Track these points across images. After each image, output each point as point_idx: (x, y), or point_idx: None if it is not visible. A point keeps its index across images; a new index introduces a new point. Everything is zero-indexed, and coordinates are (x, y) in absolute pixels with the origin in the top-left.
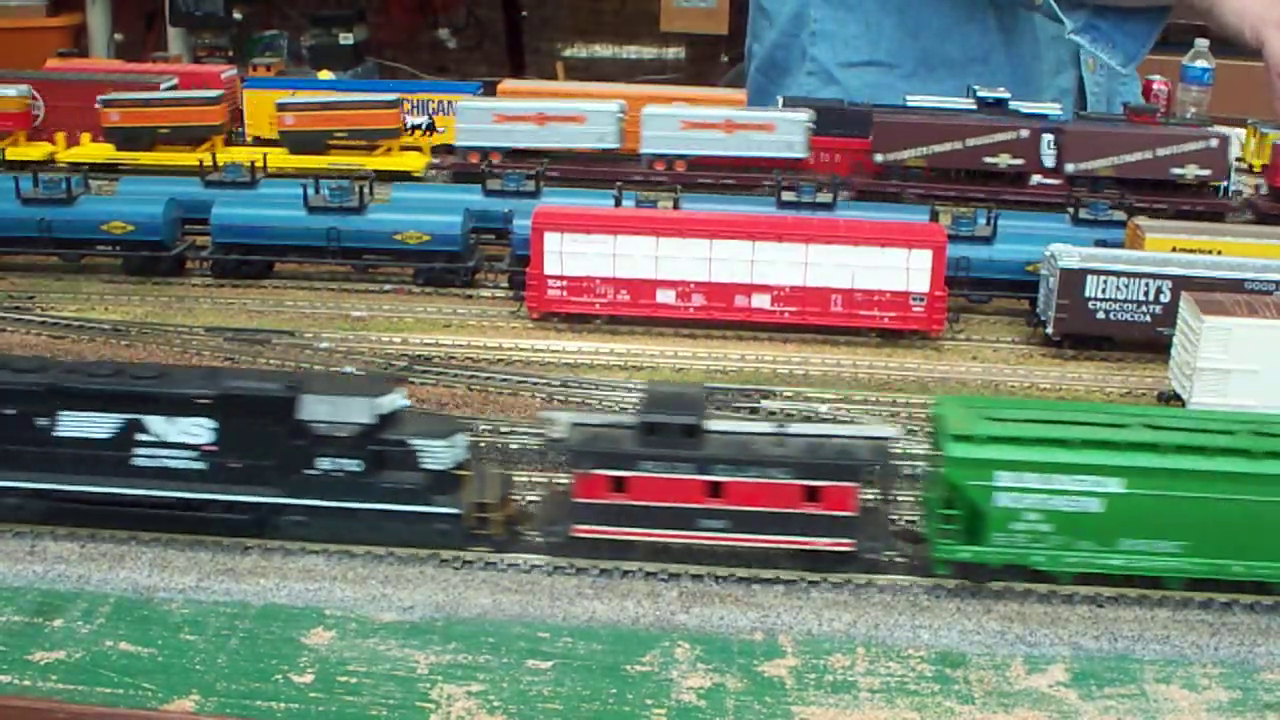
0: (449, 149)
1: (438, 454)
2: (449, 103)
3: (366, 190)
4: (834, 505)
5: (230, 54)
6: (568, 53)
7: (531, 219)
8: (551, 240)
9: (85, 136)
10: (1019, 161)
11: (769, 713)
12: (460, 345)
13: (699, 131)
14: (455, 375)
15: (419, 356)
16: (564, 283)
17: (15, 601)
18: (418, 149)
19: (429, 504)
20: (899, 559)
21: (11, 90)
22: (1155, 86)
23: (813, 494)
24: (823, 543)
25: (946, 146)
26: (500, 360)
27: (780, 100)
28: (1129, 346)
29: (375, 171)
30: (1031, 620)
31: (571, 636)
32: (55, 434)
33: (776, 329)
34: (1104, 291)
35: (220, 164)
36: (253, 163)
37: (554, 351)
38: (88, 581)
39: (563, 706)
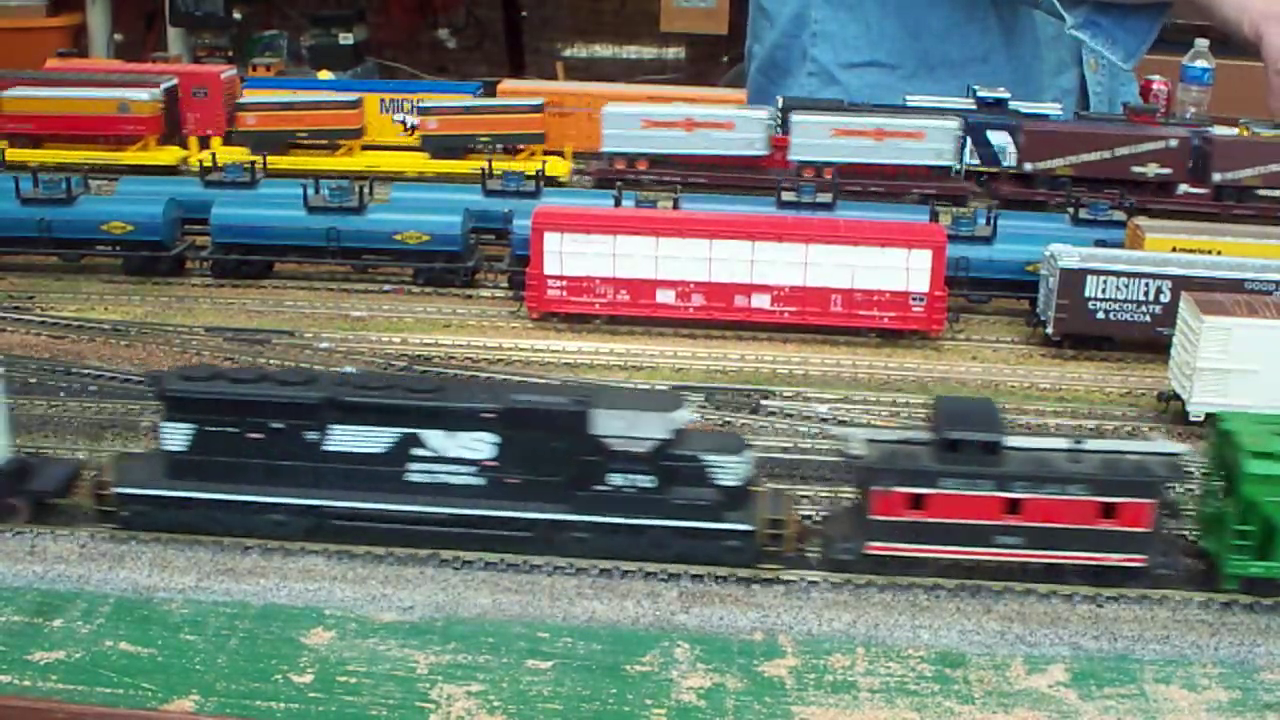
0: (595, 155)
1: (730, 469)
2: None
3: (366, 190)
4: (1130, 521)
5: (230, 54)
6: (568, 53)
7: (531, 219)
8: (551, 240)
9: (216, 141)
10: (1166, 171)
11: (769, 713)
12: (460, 345)
13: (849, 139)
14: (455, 375)
15: (419, 356)
16: (564, 283)
17: (15, 601)
18: (560, 154)
19: (721, 520)
20: (1182, 573)
21: (144, 94)
22: (1155, 86)
23: (1109, 510)
24: (1115, 558)
25: (1094, 156)
26: (500, 360)
27: (780, 101)
28: (1129, 346)
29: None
30: (1031, 620)
31: (571, 636)
32: (325, 448)
33: (776, 329)
34: (1104, 291)
35: (221, 164)
36: (253, 163)
37: (554, 351)
38: (88, 581)
39: (563, 706)
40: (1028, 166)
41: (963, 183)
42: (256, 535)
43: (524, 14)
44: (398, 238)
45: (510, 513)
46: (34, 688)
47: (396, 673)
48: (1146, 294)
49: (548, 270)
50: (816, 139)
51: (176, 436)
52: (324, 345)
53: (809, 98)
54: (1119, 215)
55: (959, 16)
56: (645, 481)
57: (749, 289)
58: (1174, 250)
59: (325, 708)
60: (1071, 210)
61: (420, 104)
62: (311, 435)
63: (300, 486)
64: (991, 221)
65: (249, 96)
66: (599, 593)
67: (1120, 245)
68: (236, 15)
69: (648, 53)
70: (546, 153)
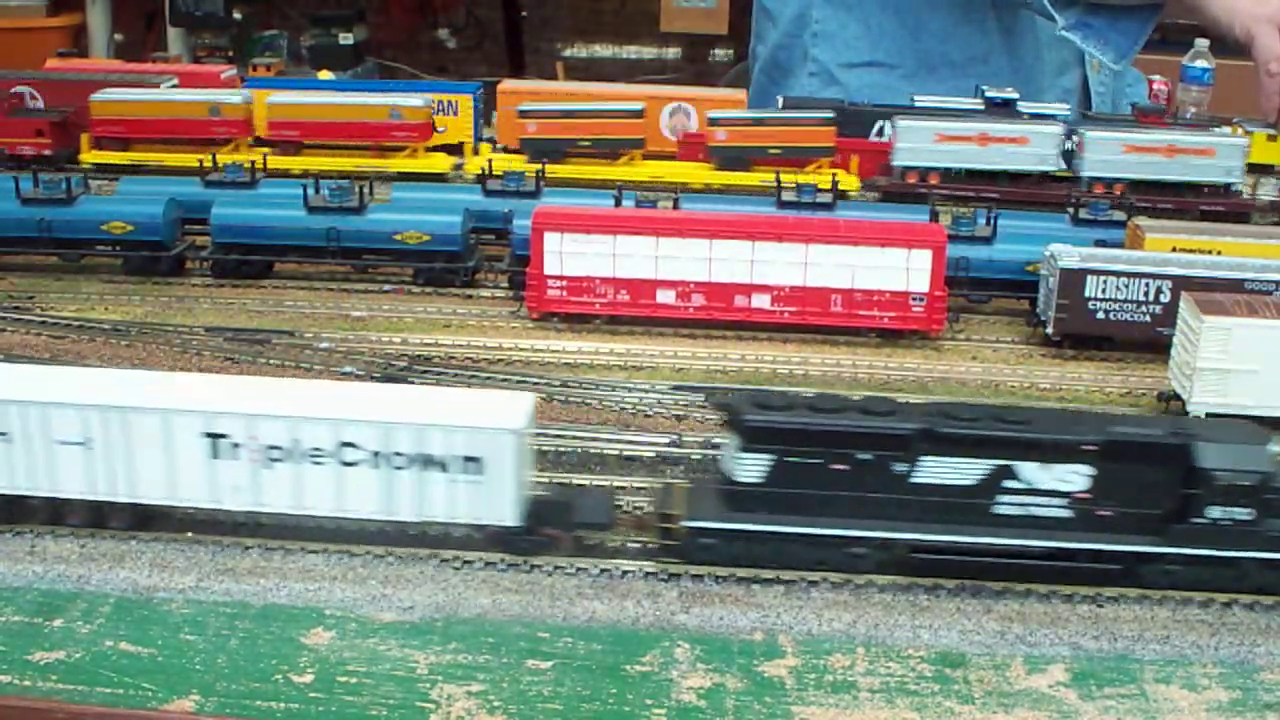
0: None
1: None
2: (450, 102)
3: (366, 190)
4: None
5: (230, 54)
6: (568, 53)
7: (531, 219)
8: (551, 240)
9: (485, 147)
10: None
11: (769, 713)
12: (460, 345)
13: (1142, 155)
14: (455, 375)
15: (419, 356)
16: (564, 283)
17: (15, 601)
18: (844, 168)
19: None
20: None
21: (417, 100)
22: (1155, 86)
23: None
24: None
25: None
26: (500, 360)
27: (781, 100)
28: (1129, 346)
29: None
30: (1031, 620)
31: (571, 636)
32: (913, 480)
33: (776, 329)
34: (1104, 291)
35: (221, 165)
36: (253, 163)
37: (554, 351)
38: (88, 581)
39: (563, 706)
40: None
41: (1247, 200)
42: (829, 569)
43: (524, 14)
44: (398, 238)
45: (1100, 545)
46: (34, 688)
47: (396, 673)
48: (1146, 294)
49: (548, 270)
50: (1107, 155)
51: (752, 467)
52: (324, 345)
53: (810, 97)
54: (1119, 215)
55: (957, 17)
56: (1243, 514)
57: (749, 289)
58: (1174, 250)
59: (325, 708)
60: (1071, 210)
61: (710, 115)
62: (900, 467)
63: (882, 519)
64: (991, 221)
65: (530, 103)
66: (599, 593)
67: (1120, 245)
68: (236, 15)
69: (648, 53)
70: (833, 165)
